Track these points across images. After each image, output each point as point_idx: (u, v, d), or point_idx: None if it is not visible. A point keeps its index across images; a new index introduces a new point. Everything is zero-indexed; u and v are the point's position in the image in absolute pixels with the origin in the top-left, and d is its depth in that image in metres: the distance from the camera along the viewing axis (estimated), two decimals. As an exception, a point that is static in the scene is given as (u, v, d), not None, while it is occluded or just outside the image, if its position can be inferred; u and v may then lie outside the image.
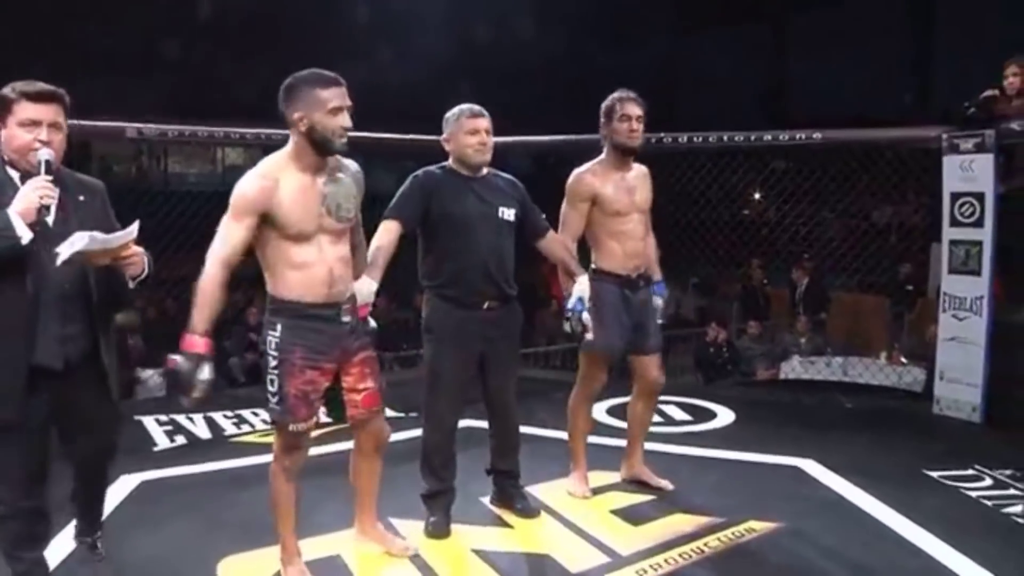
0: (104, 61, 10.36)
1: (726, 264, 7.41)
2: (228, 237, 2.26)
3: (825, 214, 6.64)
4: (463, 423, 2.99)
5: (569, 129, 4.98)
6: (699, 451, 3.79)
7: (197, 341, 2.19)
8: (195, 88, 11.38)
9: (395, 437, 2.71)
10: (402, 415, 3.96)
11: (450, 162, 2.92)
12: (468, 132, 2.84)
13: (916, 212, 7.42)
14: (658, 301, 3.28)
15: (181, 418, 4.31)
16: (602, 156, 3.16)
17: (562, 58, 13.28)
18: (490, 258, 2.83)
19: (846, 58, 11.82)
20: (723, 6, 13.83)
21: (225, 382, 6.09)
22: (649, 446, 3.43)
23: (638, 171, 3.21)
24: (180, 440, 4.02)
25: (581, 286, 2.85)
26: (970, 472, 3.45)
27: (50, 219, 2.11)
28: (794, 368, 6.59)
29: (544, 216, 3.06)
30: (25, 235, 2.05)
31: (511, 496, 3.07)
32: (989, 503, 3.15)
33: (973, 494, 3.23)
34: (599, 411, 4.21)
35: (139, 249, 2.19)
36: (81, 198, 2.25)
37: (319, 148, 2.30)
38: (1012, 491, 3.25)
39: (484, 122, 2.87)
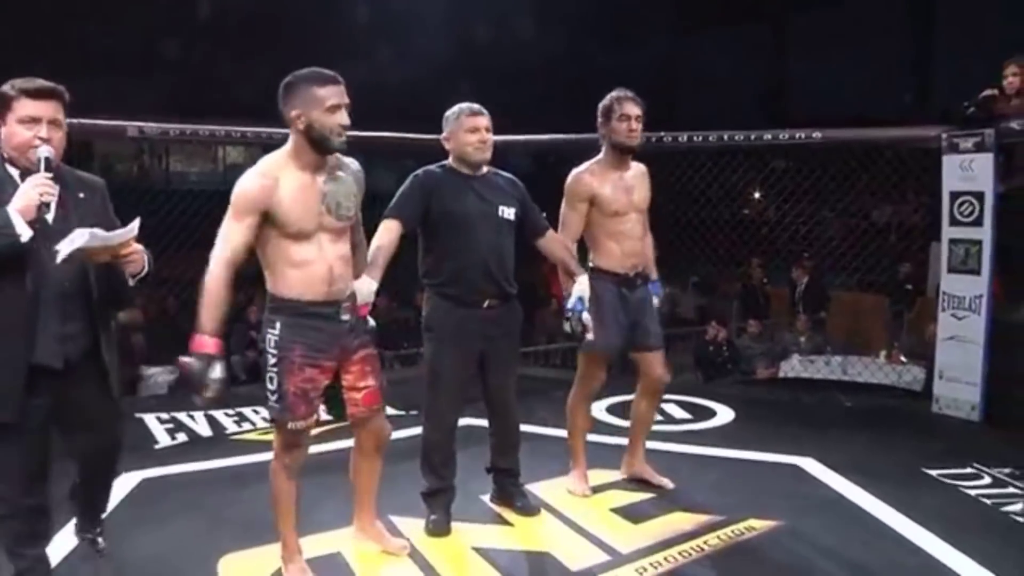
0: (104, 61, 10.37)
1: (726, 263, 7.42)
2: (230, 237, 2.27)
3: (825, 213, 6.65)
4: (463, 421, 3.00)
5: (569, 128, 4.98)
6: (699, 449, 3.80)
7: (207, 341, 2.21)
8: (195, 88, 11.39)
9: (395, 435, 2.71)
10: (403, 413, 3.97)
11: (450, 161, 2.92)
12: (468, 130, 2.85)
13: (916, 211, 7.43)
14: (654, 300, 3.28)
15: (182, 416, 4.32)
16: (600, 156, 3.16)
17: (562, 58, 13.29)
18: (490, 257, 2.83)
19: (846, 58, 11.83)
20: (723, 6, 13.84)
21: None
22: (649, 444, 3.44)
23: (636, 170, 3.21)
24: (181, 438, 4.03)
25: (581, 286, 2.85)
26: (969, 470, 3.46)
27: (50, 216, 2.11)
28: (794, 367, 6.59)
29: (544, 215, 3.06)
30: (25, 233, 2.05)
31: (511, 494, 3.07)
32: (988, 501, 3.16)
33: (972, 492, 3.24)
34: (599, 409, 4.23)
35: (139, 247, 2.19)
36: (81, 195, 2.25)
37: (317, 146, 2.31)
38: (1011, 489, 3.26)
39: (484, 120, 2.88)
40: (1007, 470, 3.43)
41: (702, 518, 2.98)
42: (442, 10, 11.69)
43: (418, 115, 4.69)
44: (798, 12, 13.98)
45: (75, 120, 2.35)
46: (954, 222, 4.27)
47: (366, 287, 2.53)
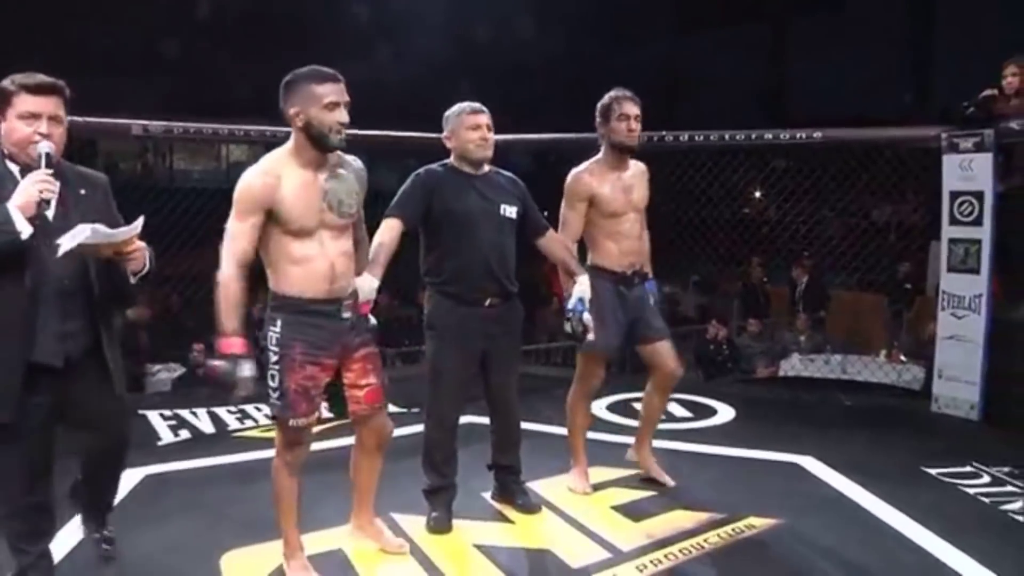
0: (104, 61, 10.38)
1: (727, 262, 7.44)
2: (237, 236, 2.28)
3: (825, 213, 6.65)
4: (464, 419, 3.00)
5: (569, 128, 5.00)
6: (699, 447, 3.80)
7: (233, 342, 2.23)
8: (195, 87, 11.41)
9: (397, 433, 2.71)
10: (404, 411, 3.98)
11: (452, 160, 2.93)
12: (469, 128, 2.86)
13: (915, 211, 7.43)
14: (651, 298, 3.28)
15: (185, 413, 4.33)
16: (599, 155, 3.16)
17: (562, 57, 13.31)
18: (492, 255, 2.84)
19: (846, 58, 11.84)
20: (723, 6, 13.87)
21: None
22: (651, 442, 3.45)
23: (635, 169, 3.21)
24: (184, 435, 4.04)
25: (582, 286, 2.86)
26: (968, 469, 3.46)
27: (50, 213, 2.09)
28: (794, 366, 6.61)
29: (545, 214, 3.07)
30: (25, 230, 2.04)
31: (512, 492, 3.08)
32: (987, 500, 3.16)
33: (971, 491, 3.25)
34: (599, 408, 4.24)
35: (141, 244, 2.19)
36: (82, 192, 2.24)
37: (316, 143, 2.32)
38: (1009, 488, 3.27)
39: (485, 118, 2.89)
40: (1006, 469, 3.44)
41: (702, 516, 2.99)
42: (442, 10, 11.71)
43: (418, 114, 4.71)
44: (798, 12, 13.99)
45: (80, 118, 2.35)
46: (954, 221, 4.28)
47: (367, 285, 2.53)
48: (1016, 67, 4.35)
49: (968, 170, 4.19)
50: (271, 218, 2.30)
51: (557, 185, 3.17)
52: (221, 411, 4.35)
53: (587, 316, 2.82)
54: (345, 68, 2.36)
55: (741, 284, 8.59)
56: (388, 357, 6.45)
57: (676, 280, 9.09)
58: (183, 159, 14.01)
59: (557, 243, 3.01)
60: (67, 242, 2.03)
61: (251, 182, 2.30)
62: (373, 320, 2.59)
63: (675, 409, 4.44)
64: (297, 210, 2.30)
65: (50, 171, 2.09)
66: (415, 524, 2.90)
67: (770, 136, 4.75)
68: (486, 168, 2.93)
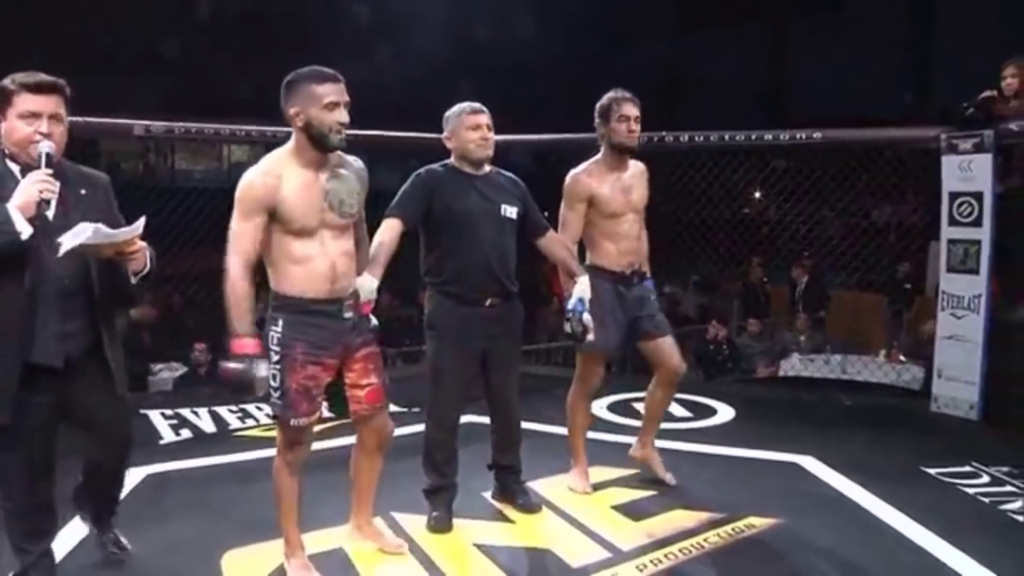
0: (104, 61, 10.38)
1: (727, 262, 7.45)
2: (242, 237, 2.29)
3: (825, 213, 6.67)
4: (465, 419, 3.00)
5: (569, 128, 5.00)
6: (699, 447, 3.81)
7: (246, 342, 2.25)
8: (195, 87, 11.42)
9: (398, 432, 2.72)
10: (405, 410, 3.98)
11: (452, 160, 2.94)
12: (470, 128, 2.87)
13: (915, 211, 7.44)
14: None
15: (186, 412, 4.35)
16: (598, 156, 3.17)
17: (562, 57, 13.31)
18: (492, 255, 2.85)
19: (846, 58, 11.84)
20: (723, 6, 13.87)
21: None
22: (652, 442, 3.46)
23: (635, 169, 3.21)
24: (185, 434, 4.05)
25: (582, 287, 2.87)
26: (967, 469, 3.47)
27: (50, 213, 2.08)
28: (794, 365, 6.61)
29: (545, 214, 3.08)
30: (25, 230, 2.03)
31: (512, 491, 3.09)
32: (986, 500, 3.17)
33: (970, 491, 3.26)
34: (599, 407, 4.25)
35: (142, 244, 2.19)
36: (83, 191, 2.23)
37: (316, 143, 2.32)
38: (1009, 488, 3.28)
39: (485, 118, 2.89)
40: (1005, 468, 3.45)
41: (702, 515, 2.99)
42: (442, 10, 11.71)
43: (418, 114, 4.72)
44: (798, 12, 14.00)
45: (82, 119, 2.35)
46: (953, 222, 4.29)
47: (367, 284, 2.54)
48: (1015, 68, 4.35)
49: (967, 171, 4.20)
50: (272, 218, 2.31)
51: (557, 185, 3.18)
52: (222, 410, 4.36)
53: (587, 316, 2.83)
54: (345, 68, 2.37)
55: (741, 284, 8.59)
56: (389, 357, 6.45)
57: (676, 280, 9.09)
58: (184, 159, 14.04)
59: (557, 243, 3.02)
60: (68, 241, 2.02)
61: (252, 182, 2.30)
62: (374, 320, 2.60)
63: (675, 409, 4.44)
64: (298, 210, 2.31)
65: (50, 171, 2.08)
66: (415, 523, 2.90)
67: (770, 137, 4.75)
68: (487, 168, 2.93)
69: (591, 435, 3.39)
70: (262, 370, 2.25)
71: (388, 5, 11.73)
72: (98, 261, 2.19)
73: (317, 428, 2.50)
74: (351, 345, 2.46)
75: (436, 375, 2.92)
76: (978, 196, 4.19)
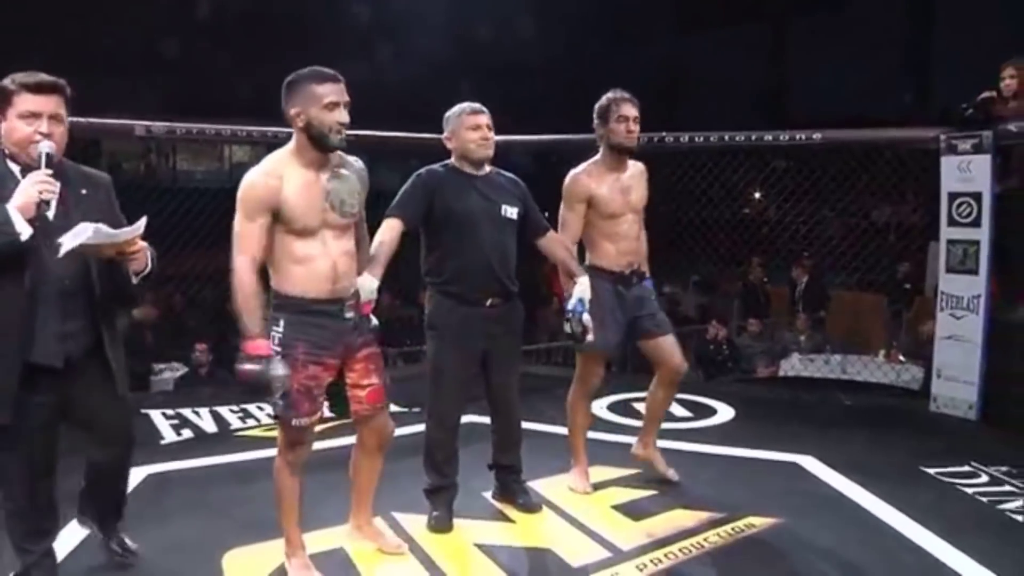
0: (104, 61, 10.39)
1: (727, 262, 7.46)
2: (247, 238, 2.29)
3: (825, 213, 6.67)
4: (465, 419, 3.01)
5: (569, 128, 5.01)
6: (699, 447, 3.81)
7: (259, 343, 2.26)
8: (195, 87, 11.42)
9: (398, 432, 2.72)
10: (405, 410, 3.98)
11: (453, 160, 2.94)
12: (470, 128, 2.87)
13: (915, 212, 7.45)
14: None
15: (187, 412, 4.35)
16: (597, 156, 3.17)
17: (562, 57, 13.32)
18: (493, 255, 2.85)
19: (846, 58, 11.86)
20: (723, 6, 13.88)
21: (232, 376, 6.12)
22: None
23: (634, 169, 3.21)
24: (186, 434, 4.05)
25: (582, 287, 2.87)
26: (966, 469, 3.47)
27: (50, 213, 2.08)
28: (794, 365, 6.62)
29: (546, 214, 3.08)
30: (25, 231, 2.03)
31: (513, 491, 3.09)
32: (985, 499, 3.18)
33: (969, 491, 3.26)
34: (600, 407, 4.25)
35: (143, 244, 2.19)
36: (84, 191, 2.23)
37: (317, 143, 2.33)
38: (1007, 487, 3.28)
39: (485, 118, 2.90)
40: (1004, 468, 3.45)
41: (702, 515, 3.00)
42: (442, 9, 11.71)
43: (418, 114, 4.72)
44: (798, 12, 14.01)
45: (83, 119, 2.35)
46: (952, 223, 4.29)
47: (368, 284, 2.54)
48: (1014, 69, 4.35)
49: (967, 171, 4.20)
50: (275, 218, 2.31)
51: (557, 186, 3.18)
52: (223, 410, 4.37)
53: (586, 317, 2.84)
54: (345, 68, 2.38)
55: (741, 284, 8.60)
56: (390, 357, 6.46)
57: (676, 280, 9.10)
58: (186, 159, 14.08)
59: (557, 244, 3.02)
60: (69, 241, 2.02)
61: (255, 183, 2.31)
62: (374, 320, 2.60)
63: (675, 409, 4.44)
64: (300, 209, 2.31)
65: (50, 171, 2.08)
66: (416, 523, 2.91)
67: (770, 137, 4.76)
68: (487, 168, 2.94)
69: (591, 435, 3.39)
70: (279, 369, 2.26)
71: (388, 5, 11.74)
72: (99, 261, 2.19)
73: (318, 428, 2.51)
74: (352, 345, 2.47)
75: (437, 375, 2.92)
76: (977, 197, 4.19)
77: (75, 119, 2.25)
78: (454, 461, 2.95)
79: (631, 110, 3.09)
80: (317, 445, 2.58)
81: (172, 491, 3.24)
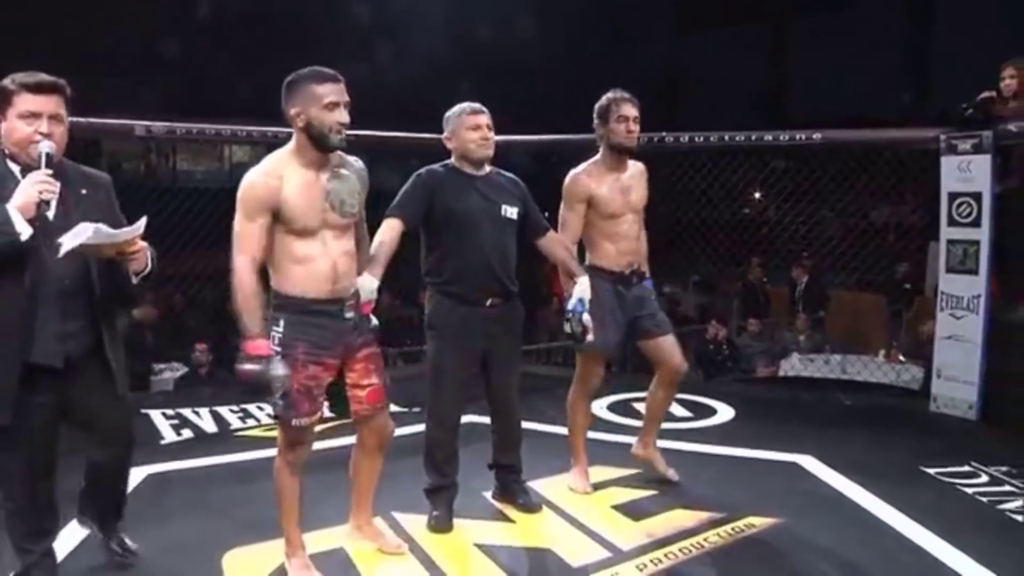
0: (104, 61, 10.39)
1: (726, 262, 7.46)
2: (248, 238, 2.29)
3: (824, 213, 6.67)
4: (465, 419, 3.01)
5: (569, 128, 5.02)
6: (699, 447, 3.81)
7: (259, 343, 2.27)
8: (195, 87, 11.42)
9: (398, 432, 2.73)
10: (405, 410, 3.99)
11: (453, 160, 2.95)
12: (470, 128, 2.88)
13: (914, 212, 7.45)
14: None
15: (187, 412, 4.36)
16: (597, 156, 3.17)
17: (562, 57, 13.32)
18: (493, 255, 2.86)
19: (846, 58, 11.86)
20: (723, 6, 13.88)
21: (232, 376, 6.12)
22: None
23: (634, 169, 3.22)
24: (186, 434, 4.06)
25: (581, 287, 2.87)
26: (966, 469, 3.48)
27: (50, 213, 2.07)
28: (793, 365, 6.62)
29: (546, 214, 3.09)
30: (25, 231, 2.03)
31: (513, 491, 3.10)
32: (984, 499, 3.18)
33: (969, 490, 3.26)
34: (600, 407, 4.26)
35: (143, 244, 2.19)
36: (84, 191, 2.23)
37: (317, 143, 2.33)
38: (1007, 487, 3.28)
39: (485, 118, 2.90)
40: (1004, 468, 3.46)
41: (702, 515, 3.00)
42: (442, 9, 11.72)
43: (418, 114, 4.72)
44: (798, 12, 14.01)
45: (84, 119, 2.35)
46: (952, 223, 4.29)
47: (367, 284, 2.54)
48: (1013, 69, 4.36)
49: (966, 172, 4.20)
50: (275, 218, 2.31)
51: (557, 186, 3.19)
52: (223, 410, 4.37)
53: (586, 317, 2.84)
54: (345, 68, 2.38)
55: (741, 284, 8.60)
56: (390, 357, 6.46)
57: (676, 280, 9.11)
58: (186, 160, 14.11)
59: (557, 244, 3.02)
60: (69, 241, 2.02)
61: (255, 183, 2.31)
62: (375, 320, 2.61)
63: (675, 409, 4.44)
64: (300, 209, 2.31)
65: (50, 171, 2.08)
66: (416, 523, 2.91)
67: (770, 138, 4.76)
68: (487, 168, 2.94)
69: (591, 435, 3.40)
70: (279, 369, 2.26)
71: (388, 5, 11.74)
72: (99, 261, 2.18)
73: (318, 428, 2.51)
74: (352, 345, 2.47)
75: (437, 375, 2.92)
76: (977, 197, 4.19)
77: (75, 119, 2.25)
78: (454, 461, 2.95)
79: (631, 110, 3.09)
80: (317, 445, 2.58)
81: (172, 491, 3.24)
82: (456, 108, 2.94)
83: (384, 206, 2.82)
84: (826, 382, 5.76)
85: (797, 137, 4.70)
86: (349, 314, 2.44)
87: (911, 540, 2.81)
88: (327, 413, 2.60)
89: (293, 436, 2.43)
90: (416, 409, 3.81)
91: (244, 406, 4.41)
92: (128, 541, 2.58)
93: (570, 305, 2.87)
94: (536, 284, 8.25)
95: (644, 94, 3.17)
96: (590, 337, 2.85)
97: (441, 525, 2.88)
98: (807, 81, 13.18)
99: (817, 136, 4.66)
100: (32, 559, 2.26)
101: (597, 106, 3.13)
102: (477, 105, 2.93)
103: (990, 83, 4.39)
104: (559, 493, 3.21)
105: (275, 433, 2.52)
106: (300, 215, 2.32)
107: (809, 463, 3.56)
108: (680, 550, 2.75)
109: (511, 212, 2.91)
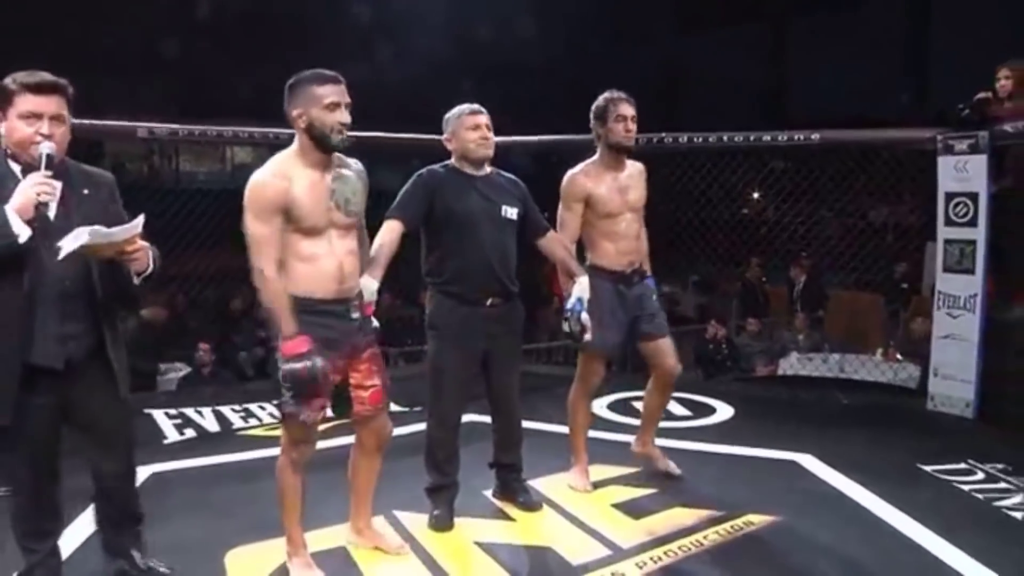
0: (104, 61, 10.39)
1: (726, 262, 7.47)
2: (266, 240, 2.30)
3: (823, 213, 6.69)
4: (466, 418, 3.02)
5: (569, 128, 5.02)
6: (699, 446, 3.83)
7: (298, 341, 2.28)
8: (196, 88, 11.43)
9: (399, 432, 2.74)
10: (406, 409, 4.00)
11: (453, 161, 2.96)
12: (469, 128, 2.89)
13: (912, 212, 7.47)
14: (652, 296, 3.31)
15: (190, 411, 4.38)
16: (595, 156, 3.19)
17: (562, 57, 13.33)
18: (493, 255, 2.87)
19: (846, 58, 11.87)
20: (723, 6, 13.90)
21: (234, 376, 6.14)
22: (651, 441, 3.48)
23: (632, 169, 3.23)
24: (189, 433, 4.07)
25: (581, 286, 2.89)
26: (963, 466, 3.49)
27: (51, 214, 2.05)
28: (792, 365, 6.63)
29: (545, 214, 3.10)
30: (23, 233, 2.01)
31: (513, 490, 3.11)
32: (981, 497, 3.20)
33: (966, 488, 3.28)
34: (600, 406, 4.27)
35: (144, 244, 2.17)
36: (86, 191, 2.20)
37: (319, 144, 2.35)
38: (1004, 485, 3.30)
39: (484, 118, 2.92)
40: (1000, 466, 3.47)
41: (702, 513, 3.01)
42: (442, 9, 11.73)
43: (418, 114, 4.74)
44: (798, 12, 14.03)
45: (87, 121, 2.35)
46: (949, 222, 4.31)
47: (368, 285, 2.56)
48: (1008, 71, 4.38)
49: (963, 172, 4.22)
50: (284, 218, 2.32)
51: (557, 186, 3.20)
52: (226, 410, 4.39)
53: (585, 316, 2.85)
54: (346, 68, 2.40)
55: (740, 284, 8.61)
56: (390, 356, 6.48)
57: (676, 280, 9.13)
58: (188, 161, 14.14)
59: (557, 243, 3.04)
60: (68, 244, 2.00)
61: (265, 184, 2.32)
62: (375, 321, 2.62)
63: (675, 408, 4.46)
64: (307, 209, 2.33)
65: (49, 173, 2.05)
66: (417, 522, 2.93)
67: (768, 138, 4.77)
68: (487, 169, 2.96)
69: (591, 434, 3.41)
70: (320, 362, 2.28)
71: (388, 5, 11.75)
72: (100, 262, 2.17)
73: (319, 427, 2.52)
74: (358, 345, 2.48)
75: (437, 375, 2.94)
76: (974, 197, 4.21)
77: (78, 120, 2.23)
78: (455, 460, 2.97)
79: (628, 109, 3.11)
80: (319, 444, 2.59)
81: (175, 490, 3.25)
82: (455, 109, 2.96)
83: (384, 206, 2.84)
84: (825, 381, 5.76)
85: (795, 137, 4.72)
86: (355, 314, 2.45)
87: (909, 538, 2.83)
88: (328, 413, 2.61)
89: (299, 434, 2.43)
90: (417, 409, 3.82)
91: (246, 405, 4.43)
92: (139, 559, 2.44)
93: (569, 304, 2.88)
94: (536, 284, 8.26)
95: (644, 94, 3.19)
96: (588, 336, 2.87)
97: (442, 524, 2.90)
98: (807, 81, 13.20)
99: (815, 137, 4.67)
100: (36, 558, 2.26)
101: (594, 106, 3.15)
102: (476, 105, 2.95)
103: (986, 84, 4.41)
104: (559, 492, 3.22)
105: (277, 432, 2.53)
106: (308, 214, 2.33)
107: (808, 461, 3.57)
108: (680, 548, 2.76)
109: (511, 212, 2.92)
